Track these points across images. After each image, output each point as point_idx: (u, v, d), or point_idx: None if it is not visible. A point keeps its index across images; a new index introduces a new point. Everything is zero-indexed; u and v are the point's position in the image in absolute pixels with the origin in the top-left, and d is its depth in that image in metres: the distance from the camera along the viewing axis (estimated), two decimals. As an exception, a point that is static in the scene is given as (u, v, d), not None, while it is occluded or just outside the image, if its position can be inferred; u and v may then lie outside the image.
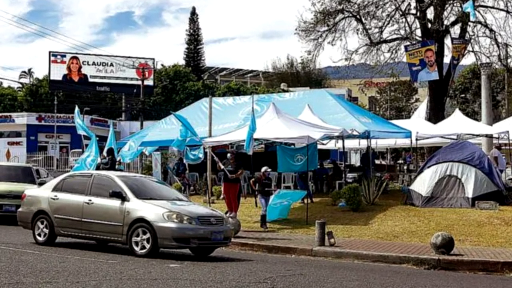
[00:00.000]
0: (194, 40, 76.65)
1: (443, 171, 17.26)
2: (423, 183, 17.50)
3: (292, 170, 19.38)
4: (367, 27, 27.99)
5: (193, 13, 77.79)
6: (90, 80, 59.91)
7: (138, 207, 10.80)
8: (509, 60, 28.06)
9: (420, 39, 27.26)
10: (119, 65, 59.43)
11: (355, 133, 19.38)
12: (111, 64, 60.36)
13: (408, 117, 49.58)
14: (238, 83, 72.41)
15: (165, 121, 26.27)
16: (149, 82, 58.12)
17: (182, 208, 11.02)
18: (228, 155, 16.01)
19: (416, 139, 22.34)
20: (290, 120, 18.26)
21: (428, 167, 17.81)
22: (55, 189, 12.15)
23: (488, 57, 26.77)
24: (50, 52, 59.52)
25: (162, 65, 68.99)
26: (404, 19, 27.58)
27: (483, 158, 17.57)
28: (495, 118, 31.92)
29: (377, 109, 74.89)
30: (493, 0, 26.86)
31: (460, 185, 16.91)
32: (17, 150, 48.43)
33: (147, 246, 10.46)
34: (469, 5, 22.67)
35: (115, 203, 11.02)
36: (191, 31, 76.76)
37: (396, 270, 10.41)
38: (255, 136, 16.55)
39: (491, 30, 26.74)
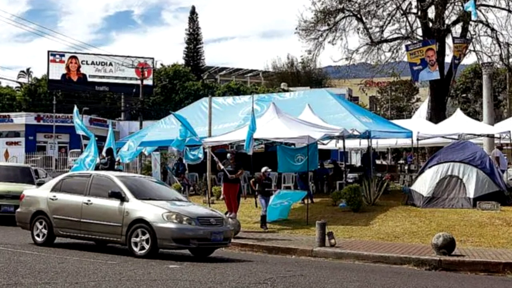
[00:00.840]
0: (193, 40, 76.70)
1: (444, 171, 17.20)
2: (424, 184, 17.44)
3: (292, 170, 19.32)
4: (368, 26, 27.99)
5: (193, 12, 78.01)
6: (89, 79, 59.95)
7: (137, 208, 10.75)
8: (510, 60, 28.00)
9: (421, 38, 27.23)
10: (118, 64, 59.43)
11: (355, 133, 19.31)
12: (110, 64, 60.37)
13: (409, 117, 49.57)
14: (238, 82, 72.45)
15: (164, 121, 26.21)
16: (149, 81, 58.11)
17: (182, 208, 10.97)
18: (228, 155, 15.95)
19: (417, 139, 22.28)
20: (290, 120, 18.20)
21: (429, 167, 17.75)
22: (54, 189, 12.09)
23: (489, 56, 26.75)
24: (48, 51, 59.56)
25: (161, 64, 69.14)
26: (405, 18, 27.56)
27: (485, 158, 17.51)
28: (496, 118, 31.89)
29: (378, 109, 74.92)
30: (494, -1, 26.88)
31: (461, 186, 16.85)
32: (16, 150, 48.44)
33: (147, 246, 10.41)
34: (470, 4, 22.63)
35: (114, 203, 10.97)
36: (191, 30, 76.85)
37: (397, 271, 10.36)
38: (255, 136, 16.50)
39: (492, 30, 26.71)
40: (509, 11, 26.42)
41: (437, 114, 27.38)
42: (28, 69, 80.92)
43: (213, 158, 17.14)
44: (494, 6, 26.92)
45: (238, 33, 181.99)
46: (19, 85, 68.94)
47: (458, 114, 24.64)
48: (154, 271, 8.63)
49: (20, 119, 53.61)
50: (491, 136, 23.29)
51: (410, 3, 27.54)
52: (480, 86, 38.63)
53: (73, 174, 13.65)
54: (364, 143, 23.59)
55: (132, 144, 21.63)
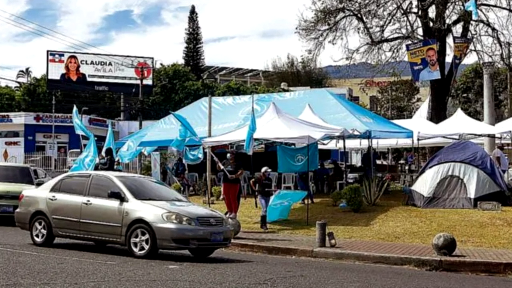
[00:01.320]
0: (193, 39, 76.61)
1: (445, 171, 17.15)
2: (424, 184, 17.39)
3: (293, 171, 19.28)
4: (368, 26, 27.97)
5: (193, 11, 77.90)
6: (89, 79, 59.80)
7: (137, 208, 10.71)
8: (511, 59, 27.96)
9: (421, 38, 27.20)
10: (118, 64, 59.34)
11: (356, 133, 19.27)
12: (110, 63, 60.26)
13: (410, 116, 49.52)
14: (238, 82, 72.35)
15: (164, 121, 26.16)
16: (148, 81, 57.99)
17: (181, 208, 10.93)
18: (228, 155, 15.90)
19: (418, 139, 22.22)
20: (290, 120, 18.15)
21: (430, 167, 17.70)
22: (53, 189, 12.05)
23: (490, 56, 26.73)
24: (48, 51, 59.41)
25: (161, 64, 69.10)
26: (405, 18, 27.54)
27: (486, 158, 17.46)
28: (497, 117, 31.89)
29: (378, 108, 74.92)
30: (495, -2, 26.86)
31: (462, 186, 16.80)
32: (15, 150, 48.33)
33: (146, 247, 10.37)
34: (471, 3, 22.57)
35: (113, 203, 10.93)
36: (191, 30, 76.76)
37: (397, 272, 10.33)
38: (255, 136, 16.45)
39: (493, 29, 26.68)
40: (510, 10, 26.37)
41: (437, 114, 27.35)
42: (27, 69, 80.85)
43: (213, 158, 17.10)
44: (495, 6, 26.91)
45: (238, 32, 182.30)
46: (18, 85, 68.84)
47: (459, 114, 24.61)
48: (154, 272, 8.60)
49: (19, 119, 53.45)
50: (492, 136, 23.27)
51: (410, 3, 27.54)
52: (481, 86, 38.58)
53: (73, 174, 13.61)
54: (365, 143, 23.56)
55: (131, 144, 21.59)
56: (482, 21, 26.60)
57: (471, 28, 26.99)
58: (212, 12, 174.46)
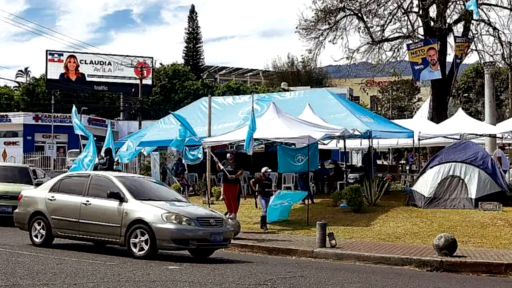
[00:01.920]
0: (193, 39, 76.56)
1: (446, 171, 17.11)
2: (425, 184, 17.36)
3: (293, 171, 19.24)
4: (369, 25, 27.97)
5: (192, 11, 77.82)
6: (88, 79, 59.69)
7: (136, 208, 10.67)
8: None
9: (422, 37, 27.19)
10: (117, 64, 59.28)
11: (356, 133, 19.23)
12: (109, 63, 60.19)
13: (411, 116, 49.47)
14: (238, 82, 72.30)
15: (163, 120, 26.12)
16: (148, 81, 57.90)
17: (181, 209, 10.89)
18: (228, 155, 15.86)
19: (419, 139, 22.18)
20: (290, 119, 18.11)
21: (431, 167, 17.66)
22: (52, 189, 12.02)
23: (491, 55, 26.71)
24: (47, 50, 59.31)
25: (160, 64, 68.98)
26: (406, 17, 27.56)
27: (487, 158, 17.42)
28: (498, 117, 31.84)
29: (379, 108, 74.87)
30: (496, -2, 26.84)
31: (463, 186, 16.76)
32: (14, 150, 48.28)
33: (146, 247, 10.34)
34: (472, 3, 22.54)
35: (113, 204, 10.89)
36: (190, 29, 76.69)
37: (398, 272, 10.31)
38: (255, 136, 16.42)
39: (494, 29, 26.67)
40: (511, 10, 26.35)
41: (438, 114, 27.33)
42: (26, 69, 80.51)
43: (212, 158, 17.05)
44: (496, 5, 26.90)
45: (238, 32, 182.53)
46: (17, 84, 68.68)
47: (460, 113, 24.53)
48: (153, 272, 8.57)
49: (18, 119, 53.37)
50: (493, 136, 23.23)
51: (411, 2, 27.55)
52: (482, 85, 38.56)
53: (72, 174, 13.58)
54: (365, 143, 23.54)
55: (131, 144, 21.55)
56: (483, 21, 26.58)
57: (472, 27, 26.99)
58: (212, 11, 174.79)
